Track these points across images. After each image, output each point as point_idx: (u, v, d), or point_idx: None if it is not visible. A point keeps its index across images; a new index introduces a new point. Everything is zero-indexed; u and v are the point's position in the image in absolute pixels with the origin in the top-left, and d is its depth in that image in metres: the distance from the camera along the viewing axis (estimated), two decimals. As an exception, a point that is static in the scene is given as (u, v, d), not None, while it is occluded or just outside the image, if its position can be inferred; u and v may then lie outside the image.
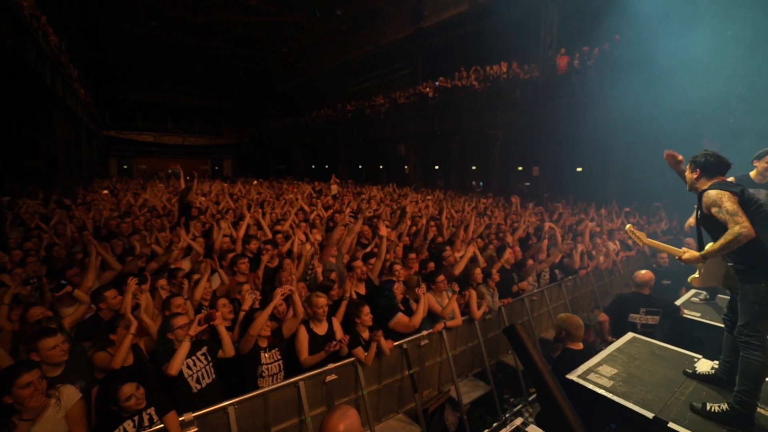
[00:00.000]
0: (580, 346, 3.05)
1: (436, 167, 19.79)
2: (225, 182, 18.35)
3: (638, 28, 9.61)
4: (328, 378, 3.17)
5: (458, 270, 4.64)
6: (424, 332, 3.84)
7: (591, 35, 11.40)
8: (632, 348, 3.28)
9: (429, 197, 11.85)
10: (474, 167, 18.27)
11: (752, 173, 3.29)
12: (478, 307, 4.34)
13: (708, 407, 2.40)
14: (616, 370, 2.90)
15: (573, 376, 2.84)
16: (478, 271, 4.48)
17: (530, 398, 4.29)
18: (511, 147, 15.08)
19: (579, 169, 13.76)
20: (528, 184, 14.93)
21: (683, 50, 8.54)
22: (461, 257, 4.88)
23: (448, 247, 5.26)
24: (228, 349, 2.87)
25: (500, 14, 13.46)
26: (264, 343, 3.05)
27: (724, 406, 2.36)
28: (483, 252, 5.51)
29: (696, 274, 2.74)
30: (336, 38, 21.15)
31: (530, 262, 5.36)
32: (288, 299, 3.28)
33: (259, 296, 3.33)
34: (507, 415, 4.13)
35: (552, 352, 4.37)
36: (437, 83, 15.47)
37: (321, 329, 3.30)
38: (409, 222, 6.33)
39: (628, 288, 4.72)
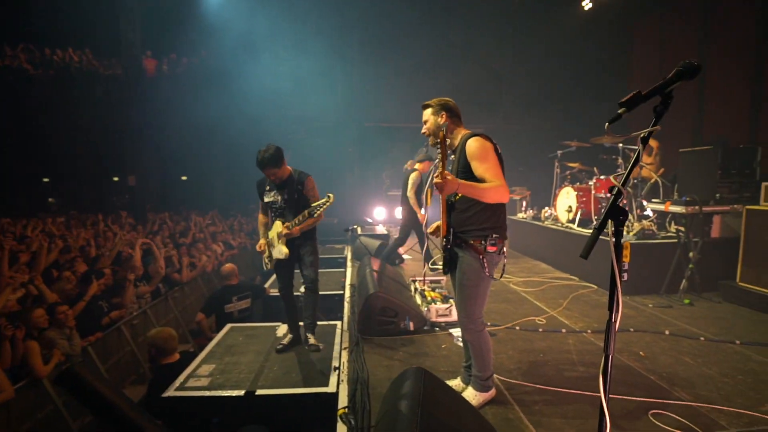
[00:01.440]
0: (176, 357, 2.88)
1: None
2: None
3: (224, 47, 10.54)
4: None
5: None
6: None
7: (178, 45, 11.41)
8: (230, 338, 3.48)
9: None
10: (46, 180, 13.90)
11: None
12: (46, 361, 3.22)
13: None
14: (214, 365, 2.95)
15: (170, 392, 2.62)
16: (38, 313, 3.32)
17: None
18: (99, 154, 12.65)
19: (184, 178, 13.63)
20: (128, 196, 13.15)
21: (265, 74, 10.25)
22: None
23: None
24: None
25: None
26: None
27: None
28: (55, 285, 4.20)
29: None
30: None
31: (128, 283, 4.64)
32: None
33: None
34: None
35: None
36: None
37: None
38: None
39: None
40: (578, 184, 5.94)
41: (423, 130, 2.38)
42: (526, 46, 11.00)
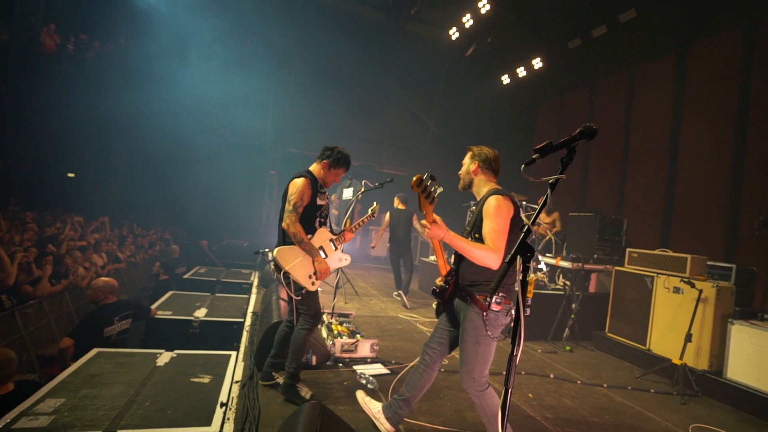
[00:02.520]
0: (10, 387, 2.28)
1: None
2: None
3: (150, 41, 9.68)
4: None
5: None
6: None
7: (94, 26, 10.22)
8: (94, 366, 2.89)
9: None
10: None
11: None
12: None
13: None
14: (63, 400, 2.39)
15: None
16: None
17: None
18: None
19: (71, 175, 11.77)
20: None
21: (192, 80, 9.58)
22: None
23: None
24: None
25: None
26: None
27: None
28: None
29: None
30: None
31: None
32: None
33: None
34: None
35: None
36: None
37: None
38: None
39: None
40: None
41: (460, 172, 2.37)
42: (452, 104, 12.08)
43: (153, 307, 4.14)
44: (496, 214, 2.05)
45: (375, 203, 3.30)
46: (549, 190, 1.24)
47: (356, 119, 11.66)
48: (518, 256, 1.19)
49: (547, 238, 6.15)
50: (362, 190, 5.20)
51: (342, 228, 3.05)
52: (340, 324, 4.21)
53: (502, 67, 10.71)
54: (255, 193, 11.20)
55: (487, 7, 8.86)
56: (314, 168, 2.87)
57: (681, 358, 3.87)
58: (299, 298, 2.68)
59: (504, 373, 1.23)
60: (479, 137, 11.37)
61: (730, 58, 6.60)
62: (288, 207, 2.64)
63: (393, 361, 3.68)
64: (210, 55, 10.38)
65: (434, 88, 12.12)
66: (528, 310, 1.21)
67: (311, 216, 2.77)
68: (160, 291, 5.50)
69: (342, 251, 3.03)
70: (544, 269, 5.64)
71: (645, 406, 3.40)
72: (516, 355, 1.20)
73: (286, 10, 10.34)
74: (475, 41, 10.39)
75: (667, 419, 3.19)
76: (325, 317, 4.25)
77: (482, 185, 2.27)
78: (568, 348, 4.78)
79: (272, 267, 2.85)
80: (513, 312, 2.13)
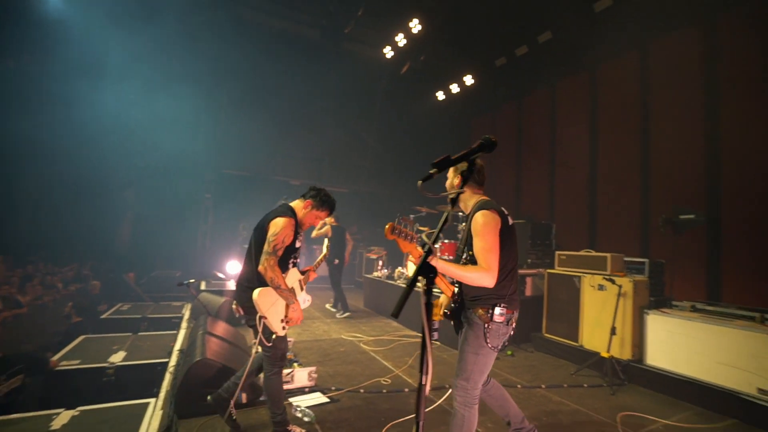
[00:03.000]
0: None
1: None
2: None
3: (59, 59, 8.80)
4: None
5: None
6: None
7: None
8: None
9: None
10: None
11: None
12: None
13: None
14: None
15: None
16: None
17: None
18: None
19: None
20: None
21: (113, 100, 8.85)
22: None
23: None
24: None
25: None
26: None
27: None
28: None
29: None
30: None
31: None
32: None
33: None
34: None
35: None
36: None
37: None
38: None
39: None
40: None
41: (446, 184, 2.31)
42: (391, 121, 12.30)
43: (56, 357, 3.62)
44: (483, 231, 2.04)
45: (326, 240, 3.46)
46: (450, 206, 1.21)
47: (294, 137, 11.44)
48: (420, 277, 1.13)
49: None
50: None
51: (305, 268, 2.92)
52: (279, 353, 3.97)
53: (436, 83, 11.12)
54: (189, 219, 10.46)
55: (419, 27, 9.20)
56: (296, 205, 2.73)
57: (608, 350, 4.10)
58: (270, 344, 2.53)
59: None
60: (418, 152, 11.66)
61: (631, 76, 7.38)
62: (267, 248, 2.45)
63: (333, 388, 3.51)
64: (130, 74, 9.68)
65: (372, 105, 12.28)
66: (436, 334, 1.15)
67: (286, 258, 2.61)
68: (71, 336, 4.86)
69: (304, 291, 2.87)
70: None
71: (579, 402, 3.53)
72: (425, 384, 1.13)
73: (216, 27, 9.99)
74: (409, 59, 10.71)
75: (599, 412, 3.33)
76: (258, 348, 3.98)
77: (468, 198, 2.26)
78: (509, 353, 4.89)
79: (235, 307, 2.66)
80: (514, 321, 2.20)
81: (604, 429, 3.03)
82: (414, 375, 4.01)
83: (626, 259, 4.84)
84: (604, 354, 4.12)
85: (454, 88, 10.69)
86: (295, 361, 3.76)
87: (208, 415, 2.86)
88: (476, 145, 1.31)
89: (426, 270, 1.13)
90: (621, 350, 4.25)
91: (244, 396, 3.02)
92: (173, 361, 3.79)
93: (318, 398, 3.29)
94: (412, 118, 11.96)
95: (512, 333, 2.24)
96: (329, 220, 6.47)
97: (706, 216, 5.81)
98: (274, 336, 2.53)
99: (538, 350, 5.14)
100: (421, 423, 1.12)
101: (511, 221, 2.20)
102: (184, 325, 5.13)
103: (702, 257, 6.04)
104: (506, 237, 2.11)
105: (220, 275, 7.64)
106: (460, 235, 2.27)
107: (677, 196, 6.44)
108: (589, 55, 7.93)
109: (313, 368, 3.54)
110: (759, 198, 5.48)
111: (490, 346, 2.11)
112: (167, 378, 3.43)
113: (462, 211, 2.32)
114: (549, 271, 5.26)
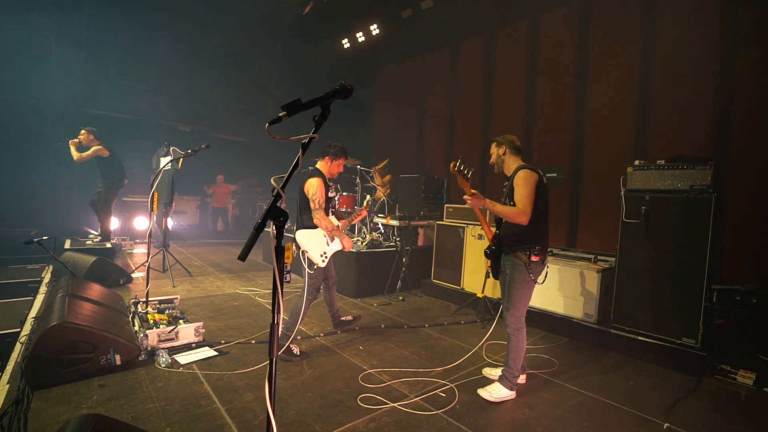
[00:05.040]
0: None
1: None
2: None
3: None
4: None
5: None
6: None
7: None
8: None
9: None
10: None
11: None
12: None
13: None
14: None
15: None
16: None
17: None
18: None
19: None
20: None
21: None
22: None
23: None
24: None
25: None
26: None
27: None
28: None
29: None
30: None
31: None
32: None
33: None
34: None
35: None
36: None
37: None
38: None
39: None
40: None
41: (490, 161, 2.96)
42: (293, 66, 11.50)
43: None
44: (524, 183, 2.59)
45: (368, 196, 3.79)
46: (301, 151, 1.20)
47: (186, 79, 10.08)
48: (269, 221, 1.12)
49: (381, 200, 6.58)
50: (177, 158, 4.57)
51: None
52: (163, 311, 3.72)
53: (341, 30, 10.57)
54: (46, 167, 8.76)
55: (322, -38, 8.48)
56: (320, 165, 3.33)
57: (483, 291, 4.70)
58: (312, 271, 3.23)
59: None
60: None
61: (522, 46, 7.88)
62: (314, 206, 3.15)
63: (223, 342, 3.45)
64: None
65: (273, 48, 11.31)
66: (288, 276, 1.17)
67: (326, 207, 3.25)
68: None
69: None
70: (380, 229, 6.04)
71: (456, 337, 4.03)
72: (277, 324, 1.17)
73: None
74: (312, -1, 9.93)
75: (470, 343, 3.85)
76: (140, 306, 3.68)
77: (512, 164, 2.82)
78: (401, 298, 5.31)
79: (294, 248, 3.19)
80: (547, 260, 2.77)
81: (472, 356, 3.53)
82: (308, 324, 4.13)
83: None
84: (480, 294, 4.72)
85: (360, 37, 10.33)
86: (181, 318, 3.57)
87: (69, 381, 2.60)
88: (331, 90, 1.30)
89: (275, 214, 1.12)
90: (493, 291, 4.90)
91: (117, 358, 2.80)
92: (26, 329, 3.31)
93: (206, 352, 3.20)
94: (317, 64, 11.33)
95: (547, 268, 2.85)
96: None
97: (566, 173, 6.71)
98: (315, 266, 3.23)
99: (427, 295, 5.66)
100: (274, 359, 1.16)
101: (545, 180, 2.72)
102: (42, 289, 4.45)
103: (564, 210, 7.08)
104: (541, 191, 2.64)
105: (92, 232, 6.69)
106: (504, 190, 2.86)
107: (549, 157, 7.31)
108: (490, 14, 8.20)
109: (200, 323, 3.42)
110: (609, 158, 6.49)
111: (533, 278, 2.66)
112: (17, 348, 3.00)
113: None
114: (438, 222, 5.70)
